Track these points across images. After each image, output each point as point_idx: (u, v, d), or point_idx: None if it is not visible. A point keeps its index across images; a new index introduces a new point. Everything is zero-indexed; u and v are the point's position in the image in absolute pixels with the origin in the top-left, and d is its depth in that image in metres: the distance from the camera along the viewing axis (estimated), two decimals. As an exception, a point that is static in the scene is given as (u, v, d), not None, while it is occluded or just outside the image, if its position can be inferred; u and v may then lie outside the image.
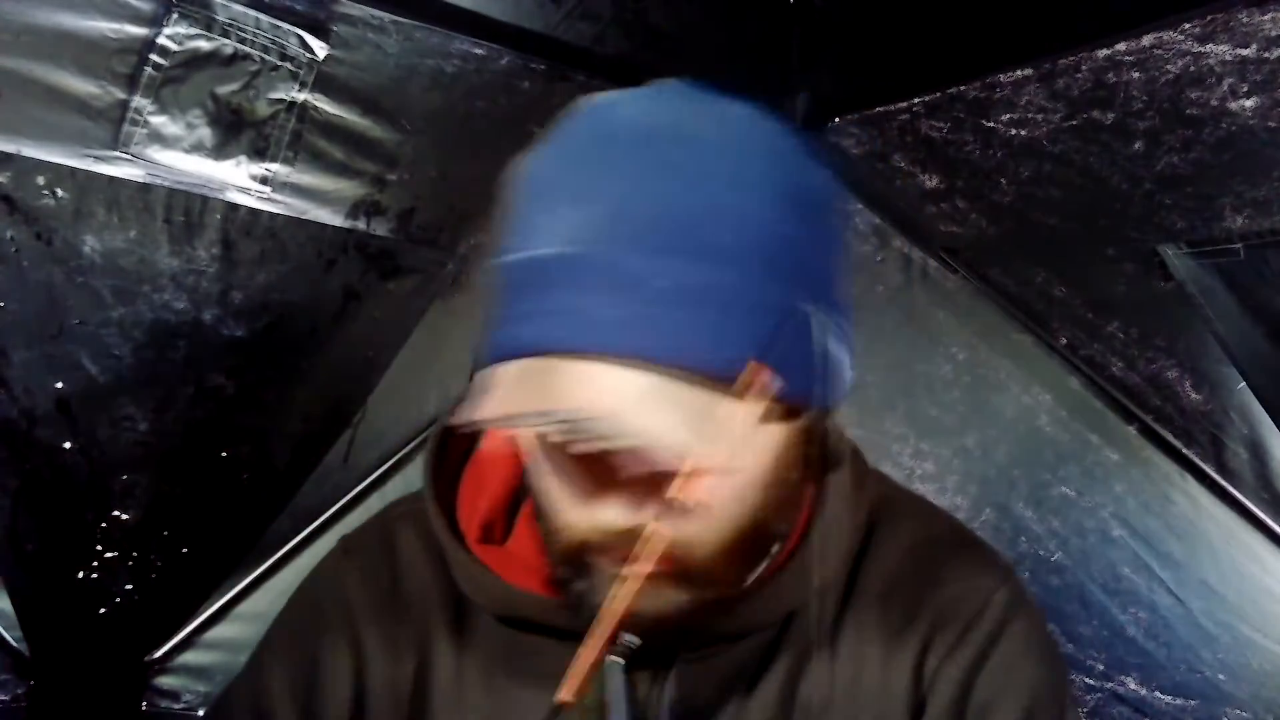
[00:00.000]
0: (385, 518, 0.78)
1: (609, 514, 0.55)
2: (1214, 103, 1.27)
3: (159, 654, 1.81)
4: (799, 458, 0.61)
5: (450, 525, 0.70)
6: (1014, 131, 1.53)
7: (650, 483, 0.54)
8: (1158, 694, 1.82)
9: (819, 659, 0.66)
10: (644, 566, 0.55)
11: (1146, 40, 1.28)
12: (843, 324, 0.58)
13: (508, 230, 0.56)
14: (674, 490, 0.53)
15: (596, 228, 0.51)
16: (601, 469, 0.54)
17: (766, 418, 0.53)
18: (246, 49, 1.31)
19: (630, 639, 0.60)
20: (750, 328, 0.51)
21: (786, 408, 0.56)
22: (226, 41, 1.29)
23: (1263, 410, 1.57)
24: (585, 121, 0.57)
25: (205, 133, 1.33)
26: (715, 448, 0.50)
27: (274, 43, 1.32)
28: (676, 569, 0.56)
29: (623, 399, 0.49)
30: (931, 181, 1.77)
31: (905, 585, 0.68)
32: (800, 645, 0.67)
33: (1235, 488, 1.69)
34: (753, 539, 0.60)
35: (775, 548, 0.66)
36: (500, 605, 0.67)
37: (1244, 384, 1.55)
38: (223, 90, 1.32)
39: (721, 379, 0.50)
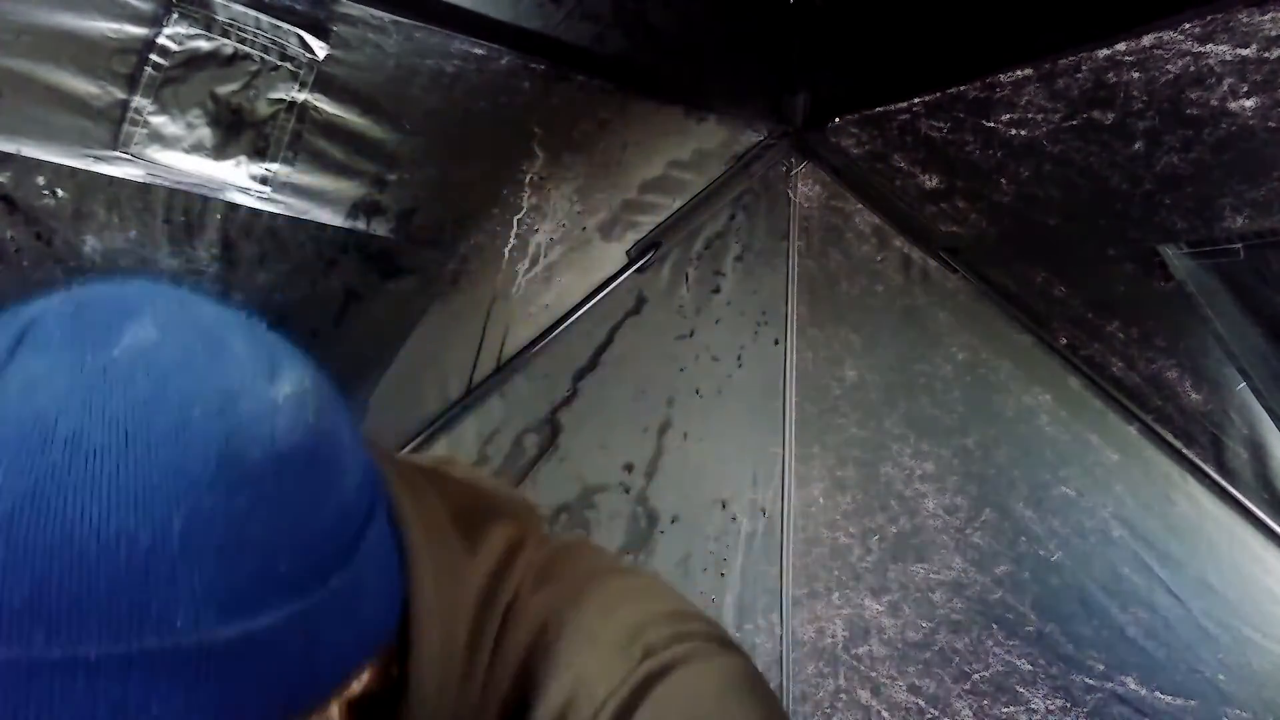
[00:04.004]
0: None
1: None
2: (1214, 103, 1.27)
3: (159, 654, 1.81)
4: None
5: None
6: (1014, 131, 1.53)
7: None
8: (1158, 694, 1.82)
9: None
10: None
11: (1146, 40, 1.28)
12: (346, 588, 0.47)
13: None
14: None
15: None
16: None
17: None
18: (246, 49, 1.31)
19: None
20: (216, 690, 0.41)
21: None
22: (226, 41, 1.29)
23: (1263, 410, 1.57)
24: None
25: (205, 133, 1.33)
26: None
27: (274, 43, 1.32)
28: None
29: None
30: (931, 181, 1.77)
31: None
32: None
33: (1235, 488, 1.69)
34: None
35: None
36: None
37: (1244, 384, 1.55)
38: (223, 90, 1.32)
39: None
